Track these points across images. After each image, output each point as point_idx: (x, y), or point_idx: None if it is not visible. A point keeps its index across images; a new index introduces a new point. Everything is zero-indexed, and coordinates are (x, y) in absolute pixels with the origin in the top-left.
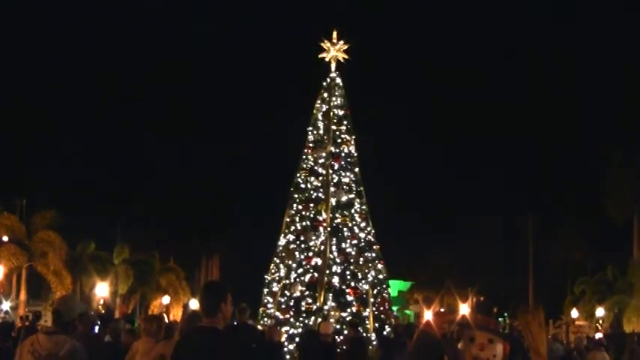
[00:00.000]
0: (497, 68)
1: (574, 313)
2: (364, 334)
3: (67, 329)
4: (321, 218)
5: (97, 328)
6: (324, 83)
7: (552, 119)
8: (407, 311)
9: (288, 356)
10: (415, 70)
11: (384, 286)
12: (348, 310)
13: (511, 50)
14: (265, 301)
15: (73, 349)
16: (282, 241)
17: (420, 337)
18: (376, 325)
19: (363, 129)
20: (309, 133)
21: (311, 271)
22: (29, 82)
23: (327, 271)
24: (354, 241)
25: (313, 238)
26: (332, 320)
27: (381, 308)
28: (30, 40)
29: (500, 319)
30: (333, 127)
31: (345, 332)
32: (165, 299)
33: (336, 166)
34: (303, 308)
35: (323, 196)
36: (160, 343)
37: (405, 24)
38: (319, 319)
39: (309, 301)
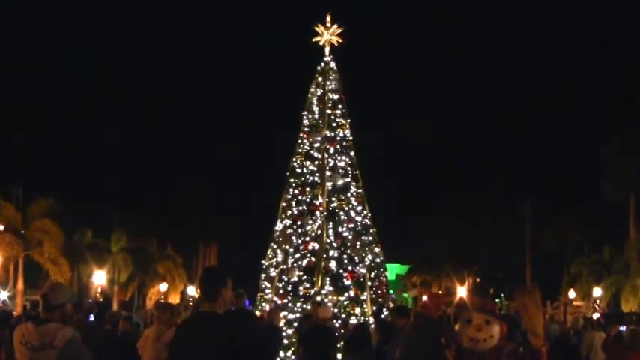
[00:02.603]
0: (497, 51)
1: (571, 293)
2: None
3: (55, 315)
4: (317, 202)
5: (92, 317)
6: (319, 67)
7: (551, 103)
8: (405, 294)
9: (286, 340)
10: (411, 51)
11: (382, 269)
12: (346, 294)
13: (512, 30)
14: (263, 286)
15: (70, 337)
16: (278, 226)
17: (416, 318)
18: (374, 308)
19: (358, 113)
20: (304, 117)
21: (308, 255)
22: (25, 71)
23: (324, 256)
24: (351, 225)
25: (310, 222)
26: (330, 304)
27: (379, 292)
28: (26, 26)
29: (496, 300)
30: (328, 111)
31: (343, 316)
32: (163, 286)
33: (332, 150)
34: (300, 293)
35: (319, 181)
36: (171, 329)
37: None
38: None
39: (307, 285)
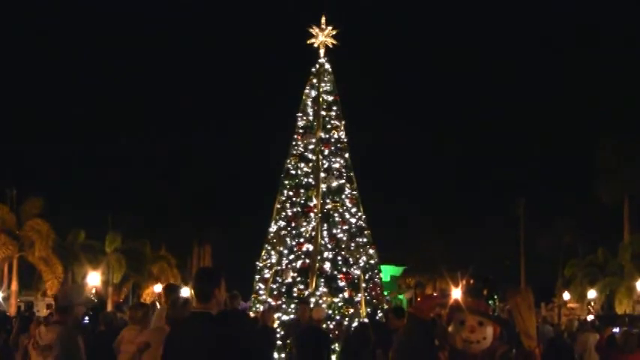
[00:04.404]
0: (489, 51)
1: (566, 295)
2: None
3: (66, 317)
4: (311, 204)
5: (87, 319)
6: (313, 69)
7: (545, 105)
8: (400, 296)
9: (279, 342)
10: (406, 52)
11: (376, 271)
12: (340, 295)
13: (505, 33)
14: (257, 287)
15: (71, 339)
16: (273, 228)
17: (409, 320)
18: (368, 310)
19: (352, 114)
20: (299, 119)
21: (302, 257)
22: (19, 72)
23: (319, 257)
24: (345, 227)
25: (304, 224)
26: (324, 306)
27: (373, 293)
28: (23, 27)
29: (490, 301)
30: (323, 113)
31: (337, 317)
32: (158, 287)
33: (326, 152)
34: (295, 294)
35: (313, 182)
36: (145, 331)
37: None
38: (311, 305)
39: (301, 287)
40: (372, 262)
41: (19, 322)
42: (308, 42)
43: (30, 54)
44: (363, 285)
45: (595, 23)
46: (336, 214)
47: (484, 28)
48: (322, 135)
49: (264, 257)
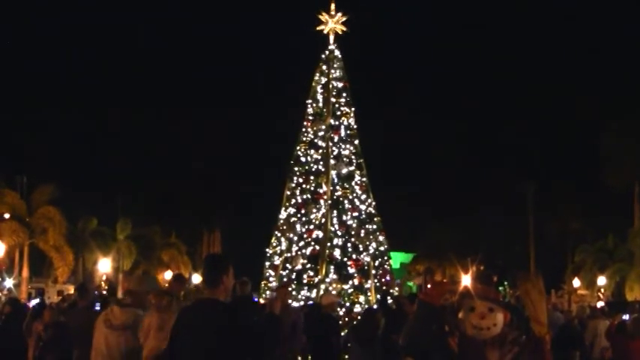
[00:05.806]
0: (497, 37)
1: (576, 282)
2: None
3: (134, 300)
4: (321, 191)
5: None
6: (323, 56)
7: (552, 90)
8: (409, 283)
9: None
10: (415, 39)
11: (386, 257)
12: (350, 282)
13: (510, 19)
14: (267, 274)
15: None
16: (282, 214)
17: (419, 306)
18: (378, 296)
19: (362, 101)
20: (309, 105)
21: (312, 243)
22: (28, 57)
23: (329, 244)
24: (355, 214)
25: (314, 210)
26: (334, 292)
27: (383, 280)
28: (31, 12)
29: (500, 288)
30: (333, 100)
31: (347, 304)
32: (168, 274)
33: (336, 139)
34: (304, 281)
35: (323, 169)
36: (173, 317)
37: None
38: (321, 292)
39: (311, 273)
40: (381, 248)
41: (32, 308)
42: (317, 28)
43: (34, 38)
44: (373, 272)
45: (597, 9)
46: (345, 201)
47: (491, 11)
48: (332, 122)
49: (274, 244)
